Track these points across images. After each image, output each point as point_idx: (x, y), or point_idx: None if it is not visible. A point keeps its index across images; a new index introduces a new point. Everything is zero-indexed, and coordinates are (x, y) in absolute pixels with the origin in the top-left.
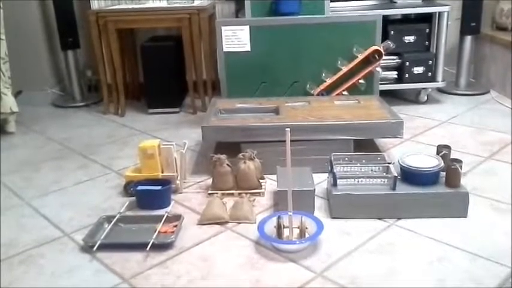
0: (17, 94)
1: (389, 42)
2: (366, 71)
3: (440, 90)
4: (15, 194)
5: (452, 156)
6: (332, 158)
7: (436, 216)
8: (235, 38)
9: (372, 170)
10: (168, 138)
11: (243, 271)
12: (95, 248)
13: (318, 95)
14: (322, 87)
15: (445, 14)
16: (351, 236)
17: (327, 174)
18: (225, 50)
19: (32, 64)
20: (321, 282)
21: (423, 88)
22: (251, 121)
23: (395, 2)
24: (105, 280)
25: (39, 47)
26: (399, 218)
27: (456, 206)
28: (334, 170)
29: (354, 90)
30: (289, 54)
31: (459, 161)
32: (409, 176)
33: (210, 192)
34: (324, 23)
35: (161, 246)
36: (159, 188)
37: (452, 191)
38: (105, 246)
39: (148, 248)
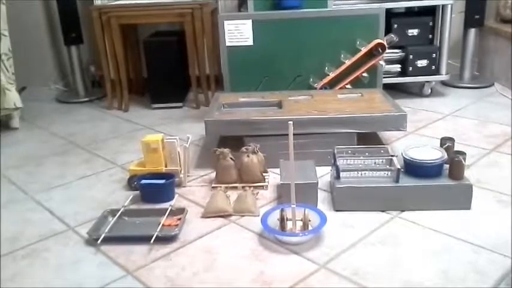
0: (21, 90)
1: (392, 36)
2: (369, 64)
3: (444, 83)
4: (20, 189)
5: (456, 149)
6: (335, 151)
7: (439, 208)
8: (238, 32)
9: (375, 163)
10: (171, 133)
11: (247, 263)
12: (99, 241)
13: (321, 88)
14: (325, 80)
15: (449, 6)
16: (354, 228)
17: (330, 167)
18: (227, 44)
19: (36, 60)
20: (324, 274)
21: (427, 81)
22: (254, 115)
23: None
24: (110, 273)
25: (42, 42)
26: (402, 211)
27: (460, 198)
28: (337, 163)
29: (357, 84)
30: (292, 48)
31: (463, 153)
32: (413, 168)
33: (213, 185)
34: (326, 17)
35: (165, 239)
36: (162, 181)
37: (455, 183)
38: (110, 240)
39: (152, 241)
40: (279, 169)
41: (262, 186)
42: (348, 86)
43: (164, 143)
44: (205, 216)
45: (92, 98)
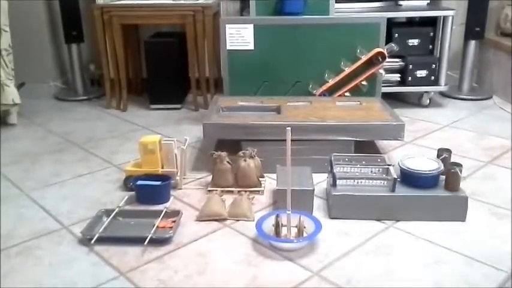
0: (19, 86)
1: (393, 45)
2: (369, 72)
3: (442, 94)
4: (15, 185)
5: (452, 160)
6: (332, 159)
7: (434, 219)
8: (239, 36)
9: (371, 172)
10: (169, 134)
11: (240, 268)
12: (93, 241)
13: (320, 95)
14: (324, 87)
15: (450, 18)
16: (348, 236)
17: (326, 175)
18: (228, 48)
19: (36, 56)
20: (317, 281)
21: (426, 91)
22: (252, 119)
23: (400, 5)
24: (102, 273)
25: (43, 39)
26: (398, 220)
27: (455, 209)
28: (334, 171)
29: (356, 92)
30: (292, 54)
31: (459, 165)
32: (409, 178)
33: (209, 189)
34: (328, 24)
35: (159, 241)
36: (158, 183)
37: (451, 195)
38: (103, 240)
39: (146, 243)
40: (275, 174)
41: (258, 191)
42: (347, 94)
43: (161, 145)
44: (200, 219)
45: (91, 97)
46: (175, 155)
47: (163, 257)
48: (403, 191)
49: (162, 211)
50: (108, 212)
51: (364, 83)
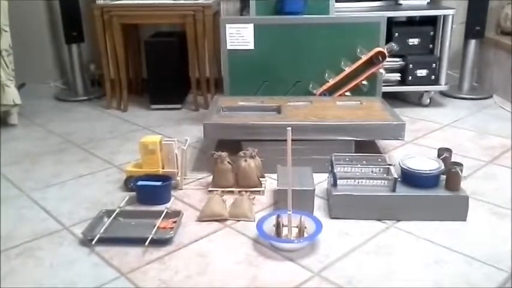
0: (20, 86)
1: (393, 44)
2: (369, 72)
3: (443, 93)
4: (15, 186)
5: (453, 160)
6: (333, 158)
7: (435, 219)
8: (239, 36)
9: (372, 171)
10: (169, 135)
11: (241, 268)
12: (93, 242)
13: (320, 95)
14: (324, 87)
15: (450, 17)
16: (349, 236)
17: (327, 175)
18: (228, 47)
19: (36, 57)
20: (318, 281)
21: (426, 91)
22: (253, 119)
23: (400, 4)
24: (103, 273)
25: (43, 40)
26: (398, 220)
27: (456, 209)
28: (335, 170)
29: (356, 92)
30: (292, 54)
31: (460, 165)
32: (410, 178)
33: (210, 189)
34: (328, 23)
35: (160, 242)
36: (159, 183)
37: (452, 195)
38: (104, 240)
39: (147, 243)
40: (276, 174)
41: (259, 191)
42: (348, 94)
43: (162, 145)
44: (200, 219)
45: (91, 97)
46: (176, 155)
47: (164, 258)
48: (403, 191)
49: (162, 211)
50: (109, 213)
51: (364, 82)
